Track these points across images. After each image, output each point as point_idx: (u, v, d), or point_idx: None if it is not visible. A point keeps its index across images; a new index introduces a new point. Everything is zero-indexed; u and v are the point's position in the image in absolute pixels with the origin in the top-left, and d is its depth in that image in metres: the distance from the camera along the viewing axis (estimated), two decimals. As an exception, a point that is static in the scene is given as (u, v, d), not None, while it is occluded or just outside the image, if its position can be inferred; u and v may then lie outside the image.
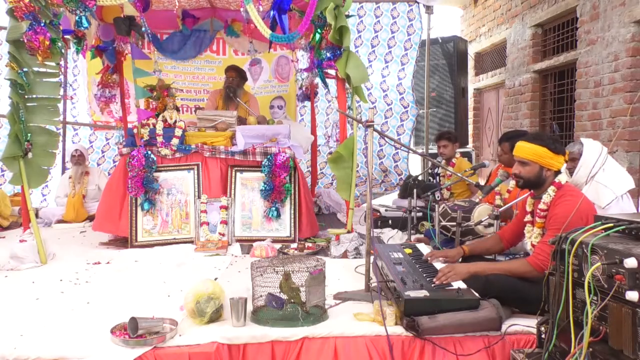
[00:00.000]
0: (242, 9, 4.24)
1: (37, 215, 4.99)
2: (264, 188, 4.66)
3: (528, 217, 2.82)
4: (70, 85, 7.17)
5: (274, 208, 4.65)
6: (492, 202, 3.96)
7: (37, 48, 3.85)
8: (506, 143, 4.09)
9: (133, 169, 4.54)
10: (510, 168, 4.00)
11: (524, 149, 2.66)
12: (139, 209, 4.60)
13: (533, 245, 2.73)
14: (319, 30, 4.41)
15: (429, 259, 2.98)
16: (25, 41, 3.85)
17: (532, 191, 2.79)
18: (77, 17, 4.05)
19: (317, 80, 5.72)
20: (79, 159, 5.99)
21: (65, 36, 4.66)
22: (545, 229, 2.66)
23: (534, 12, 6.82)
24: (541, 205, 2.66)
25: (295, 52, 6.68)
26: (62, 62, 5.90)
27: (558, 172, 2.67)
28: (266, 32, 4.23)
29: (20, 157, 4.03)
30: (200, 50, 6.78)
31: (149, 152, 4.64)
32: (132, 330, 2.33)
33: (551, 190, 2.63)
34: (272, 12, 4.29)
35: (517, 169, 2.70)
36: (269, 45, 5.77)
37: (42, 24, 3.87)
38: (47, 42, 3.88)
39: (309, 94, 6.49)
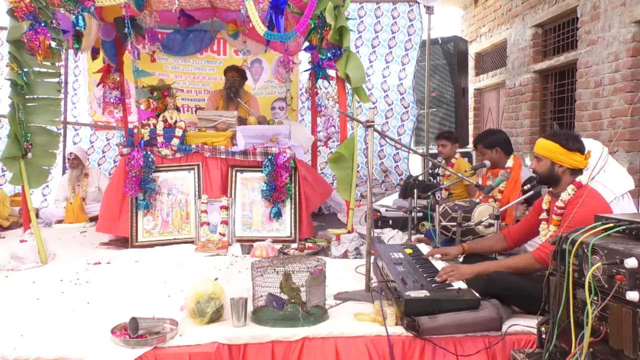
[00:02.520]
0: (241, 6, 4.24)
1: (37, 216, 5.00)
2: (265, 188, 4.66)
3: (543, 215, 2.80)
4: (72, 85, 7.18)
5: (275, 208, 4.65)
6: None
7: (37, 48, 3.85)
8: (480, 144, 4.16)
9: (132, 169, 4.54)
10: (496, 169, 4.04)
11: (538, 144, 2.71)
12: (138, 209, 4.59)
13: None
14: (318, 31, 4.41)
15: (429, 258, 2.99)
16: (26, 41, 3.85)
17: (550, 189, 2.78)
18: (73, 17, 4.04)
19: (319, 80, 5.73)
20: (74, 162, 5.99)
21: (67, 37, 4.66)
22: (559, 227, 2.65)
23: (535, 12, 6.82)
24: (558, 203, 2.65)
25: (288, 56, 6.63)
26: (62, 62, 5.89)
27: (577, 172, 2.66)
28: (261, 29, 4.22)
29: (20, 157, 4.03)
30: (201, 48, 6.79)
31: (149, 152, 4.64)
32: (132, 331, 2.33)
33: (570, 188, 2.63)
34: (269, 12, 4.29)
35: (533, 164, 2.75)
36: (266, 44, 5.77)
37: (43, 24, 3.88)
38: (48, 42, 3.88)
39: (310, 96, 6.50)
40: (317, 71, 4.70)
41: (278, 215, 4.65)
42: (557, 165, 2.65)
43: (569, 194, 2.62)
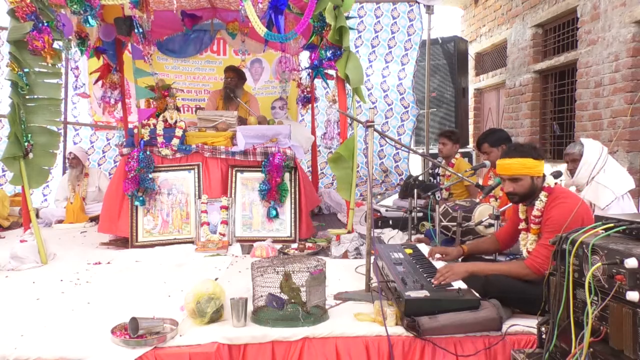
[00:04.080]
0: (240, 7, 4.25)
1: (37, 216, 5.00)
2: (262, 188, 4.67)
3: (522, 225, 2.83)
4: (73, 85, 7.18)
5: (272, 208, 4.65)
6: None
7: (42, 48, 3.85)
8: (485, 143, 4.16)
9: (132, 169, 4.54)
10: None
11: (512, 165, 2.65)
12: (139, 208, 4.60)
13: (528, 252, 2.72)
14: (318, 30, 4.41)
15: (430, 258, 3.00)
16: (30, 41, 3.85)
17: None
18: (82, 17, 4.07)
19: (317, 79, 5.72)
20: (73, 161, 5.99)
21: (68, 37, 4.67)
22: (540, 234, 2.66)
23: (535, 12, 6.82)
24: (535, 212, 2.67)
25: (291, 56, 6.62)
26: (62, 63, 5.90)
27: (543, 177, 2.69)
28: (261, 29, 4.22)
29: (20, 157, 4.03)
30: (201, 49, 6.81)
31: (148, 152, 4.64)
32: (132, 331, 2.33)
33: (543, 195, 2.65)
34: (268, 12, 4.29)
35: (511, 186, 2.69)
36: (265, 43, 5.76)
37: (46, 24, 3.88)
38: (52, 41, 3.89)
39: (309, 97, 6.50)
40: (315, 71, 4.70)
41: (274, 216, 4.65)
42: (535, 177, 2.66)
43: (543, 201, 2.64)
